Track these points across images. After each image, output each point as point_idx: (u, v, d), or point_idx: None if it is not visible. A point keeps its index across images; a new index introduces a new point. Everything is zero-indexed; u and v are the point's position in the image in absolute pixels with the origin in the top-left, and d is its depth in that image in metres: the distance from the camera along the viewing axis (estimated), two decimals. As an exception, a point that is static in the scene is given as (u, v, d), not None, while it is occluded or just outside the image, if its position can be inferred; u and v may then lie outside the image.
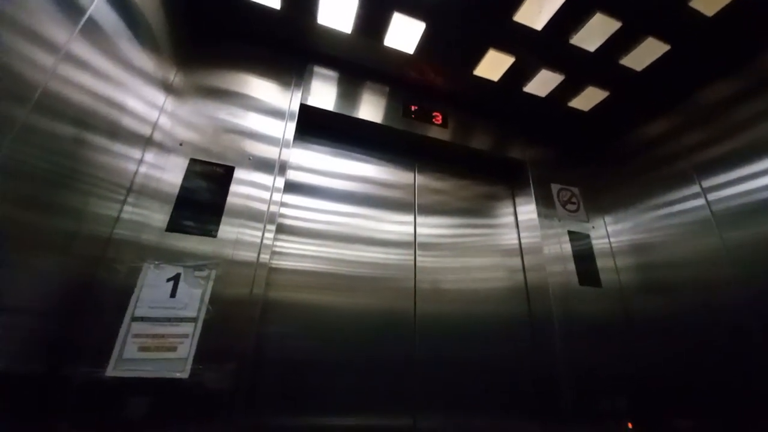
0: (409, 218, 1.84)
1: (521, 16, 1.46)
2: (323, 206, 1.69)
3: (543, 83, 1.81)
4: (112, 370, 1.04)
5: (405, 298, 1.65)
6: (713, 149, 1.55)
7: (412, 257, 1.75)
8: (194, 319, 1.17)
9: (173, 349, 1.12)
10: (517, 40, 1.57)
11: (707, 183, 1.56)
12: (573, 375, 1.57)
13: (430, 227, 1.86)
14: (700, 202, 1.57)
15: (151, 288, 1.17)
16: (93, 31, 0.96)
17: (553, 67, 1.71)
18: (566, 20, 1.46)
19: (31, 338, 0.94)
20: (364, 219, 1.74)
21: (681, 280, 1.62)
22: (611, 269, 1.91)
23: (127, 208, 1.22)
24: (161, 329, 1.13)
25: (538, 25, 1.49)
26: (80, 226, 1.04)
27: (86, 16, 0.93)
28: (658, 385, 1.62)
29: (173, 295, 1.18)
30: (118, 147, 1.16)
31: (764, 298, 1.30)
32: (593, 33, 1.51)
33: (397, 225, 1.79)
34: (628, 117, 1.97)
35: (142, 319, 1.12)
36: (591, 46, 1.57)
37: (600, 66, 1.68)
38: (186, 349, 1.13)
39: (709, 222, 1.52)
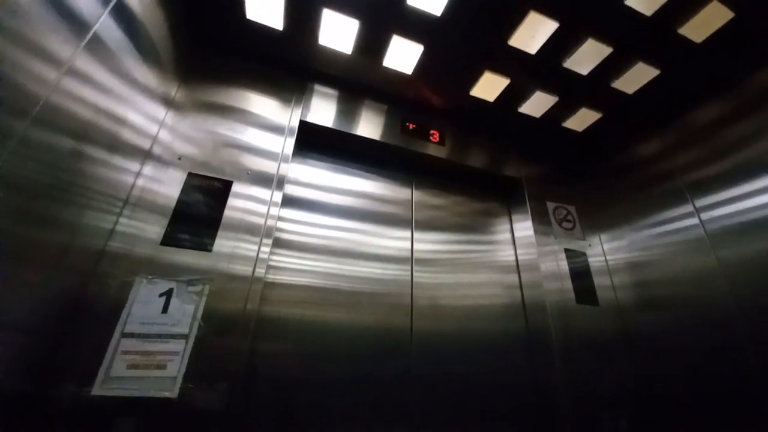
0: (407, 234, 1.84)
1: (516, 41, 1.52)
2: (321, 221, 1.69)
3: (537, 104, 1.86)
4: (98, 389, 1.01)
5: (402, 314, 1.63)
6: (705, 169, 1.58)
7: (409, 273, 1.74)
8: (185, 336, 1.14)
9: (163, 367, 1.09)
10: (511, 63, 1.63)
11: (700, 202, 1.58)
12: (572, 393, 1.54)
13: (427, 243, 1.86)
14: (694, 221, 1.59)
15: (143, 303, 1.14)
16: (97, 47, 0.98)
17: (547, 89, 1.77)
18: (559, 45, 1.52)
19: (18, 355, 0.90)
20: (361, 234, 1.74)
21: (677, 298, 1.62)
22: (608, 287, 1.90)
23: (122, 220, 1.21)
24: (151, 346, 1.10)
25: (533, 49, 1.55)
26: (74, 239, 1.03)
27: (92, 33, 0.95)
28: (657, 404, 1.59)
29: (165, 310, 1.16)
30: (117, 160, 1.17)
31: (759, 316, 1.30)
32: (586, 57, 1.56)
33: (394, 240, 1.79)
34: (621, 137, 2.02)
35: (132, 335, 1.09)
36: (584, 69, 1.62)
37: (593, 89, 1.73)
38: (176, 368, 1.09)
39: (703, 240, 1.54)
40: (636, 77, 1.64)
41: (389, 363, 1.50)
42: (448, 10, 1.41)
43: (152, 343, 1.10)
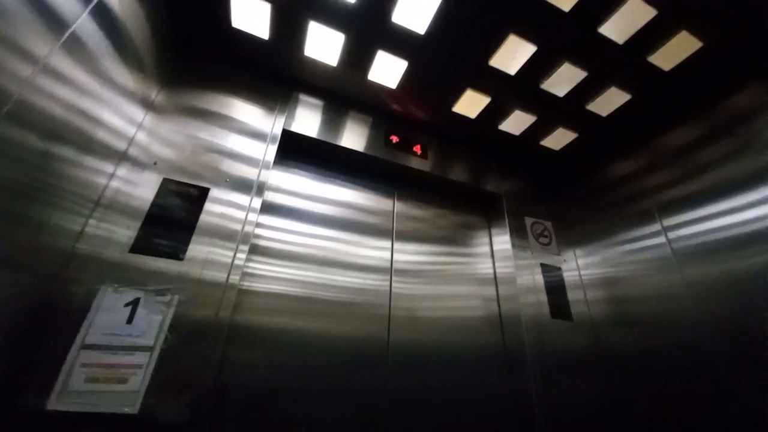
0: (387, 244, 1.84)
1: (496, 61, 1.57)
2: (301, 229, 1.67)
3: (517, 122, 1.92)
4: (54, 403, 0.95)
5: (379, 324, 1.61)
6: (674, 190, 1.65)
7: (388, 283, 1.73)
8: (150, 348, 1.09)
9: (124, 380, 1.04)
10: (492, 82, 1.68)
11: (668, 222, 1.65)
12: (546, 408, 1.55)
13: (408, 254, 1.86)
14: (662, 239, 1.65)
15: (107, 312, 1.09)
16: (75, 46, 0.96)
17: (526, 108, 1.83)
18: (537, 67, 1.58)
19: None
20: (341, 243, 1.73)
21: (646, 314, 1.67)
22: (582, 302, 1.95)
23: (92, 222, 1.16)
24: (113, 359, 1.05)
25: (512, 70, 1.60)
26: (40, 238, 0.98)
27: (70, 31, 0.94)
28: (629, 421, 1.61)
29: (130, 321, 1.11)
30: (90, 160, 1.13)
31: (723, 333, 1.35)
32: (562, 80, 1.63)
33: (374, 250, 1.79)
34: (596, 157, 2.10)
35: (93, 346, 1.04)
36: (560, 91, 1.69)
37: (569, 110, 1.80)
38: (138, 381, 1.05)
39: (670, 259, 1.60)
40: (609, 101, 1.72)
41: (365, 374, 1.47)
42: (432, 29, 1.45)
43: (115, 355, 1.05)
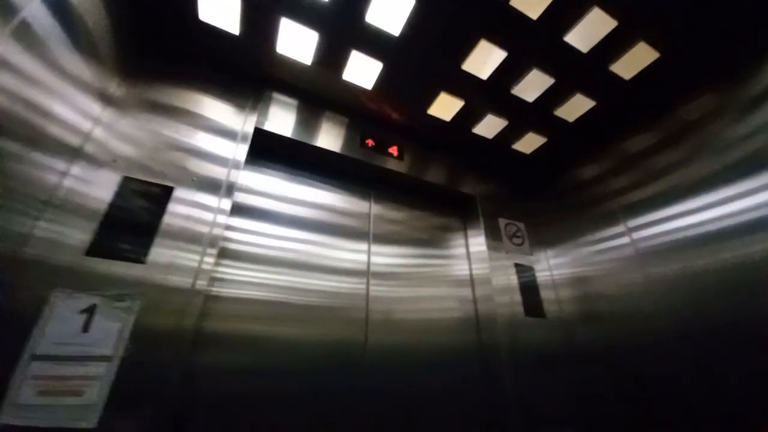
0: (363, 247, 1.83)
1: (469, 65, 1.60)
2: (274, 231, 1.63)
3: (490, 126, 1.97)
4: (2, 417, 0.88)
5: (356, 328, 1.60)
6: (636, 192, 1.73)
7: (365, 286, 1.73)
8: (109, 358, 1.03)
9: (79, 393, 0.97)
10: (465, 86, 1.71)
11: (632, 223, 1.73)
12: (520, 406, 1.59)
13: (385, 256, 1.86)
14: (626, 240, 1.74)
15: (59, 321, 1.02)
16: (24, 33, 0.90)
17: (498, 112, 1.87)
18: (508, 72, 1.63)
19: None
20: (316, 246, 1.70)
21: (612, 311, 1.74)
22: (553, 300, 2.02)
23: (41, 224, 1.08)
24: (67, 370, 0.98)
25: (484, 74, 1.64)
26: None
27: (19, 17, 0.87)
28: (600, 416, 1.68)
29: (86, 329, 1.04)
30: (38, 156, 1.05)
31: (684, 329, 1.42)
32: (531, 86, 1.68)
33: (350, 253, 1.77)
34: (564, 161, 2.19)
35: (45, 357, 0.97)
36: (530, 97, 1.75)
37: (538, 115, 1.87)
38: (95, 394, 0.98)
39: (633, 258, 1.68)
40: (575, 107, 1.79)
41: (342, 378, 1.46)
42: (406, 31, 1.46)
43: (68, 366, 0.99)
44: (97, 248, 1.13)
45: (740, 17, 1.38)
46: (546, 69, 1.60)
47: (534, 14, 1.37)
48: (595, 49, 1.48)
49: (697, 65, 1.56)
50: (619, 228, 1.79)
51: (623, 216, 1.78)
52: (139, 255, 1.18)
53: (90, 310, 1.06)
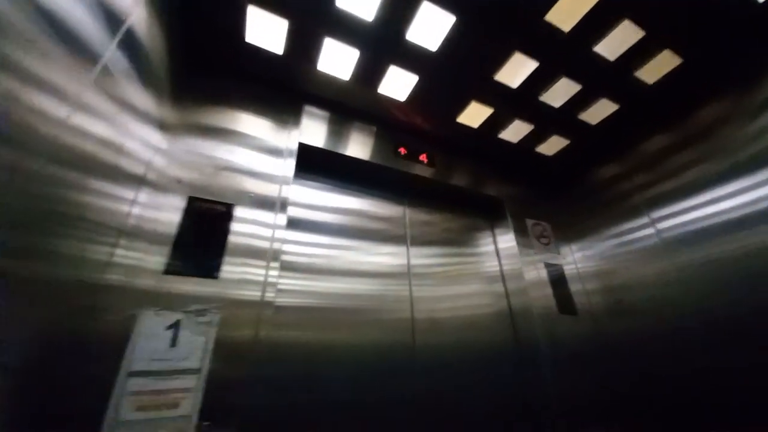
0: (403, 250, 1.90)
1: (501, 76, 1.69)
2: (320, 240, 1.70)
3: (515, 132, 2.06)
4: (104, 436, 0.93)
5: (404, 329, 1.67)
6: (659, 186, 1.83)
7: (408, 288, 1.80)
8: (198, 371, 1.09)
9: (175, 405, 1.03)
10: (496, 95, 1.79)
11: (655, 214, 1.83)
12: (561, 400, 1.66)
13: (422, 258, 1.94)
14: (651, 230, 1.84)
15: (150, 338, 1.08)
16: (105, 79, 0.94)
17: (524, 118, 1.96)
18: (537, 81, 1.71)
19: (9, 404, 0.81)
20: (360, 252, 1.77)
21: (640, 301, 1.84)
22: (581, 294, 2.10)
23: (119, 251, 1.13)
24: (162, 384, 1.04)
25: (515, 84, 1.73)
26: (67, 273, 0.94)
27: (101, 64, 0.91)
28: (637, 407, 1.75)
29: (174, 344, 1.10)
30: (110, 188, 1.10)
31: (713, 315, 1.51)
32: (558, 93, 1.77)
33: (391, 257, 1.84)
34: (586, 161, 2.29)
35: (140, 373, 1.02)
36: (556, 103, 1.84)
37: (563, 119, 1.96)
38: (189, 405, 1.04)
39: (658, 248, 1.78)
40: (599, 111, 1.89)
41: (398, 380, 1.53)
42: (444, 46, 1.54)
43: (163, 380, 1.04)
44: (173, 267, 1.19)
45: (755, 26, 1.48)
46: (574, 77, 1.69)
47: (566, 27, 1.46)
48: (621, 57, 1.58)
49: (716, 70, 1.66)
50: (644, 219, 1.88)
51: (647, 208, 1.88)
52: (212, 271, 1.24)
53: (175, 326, 1.12)
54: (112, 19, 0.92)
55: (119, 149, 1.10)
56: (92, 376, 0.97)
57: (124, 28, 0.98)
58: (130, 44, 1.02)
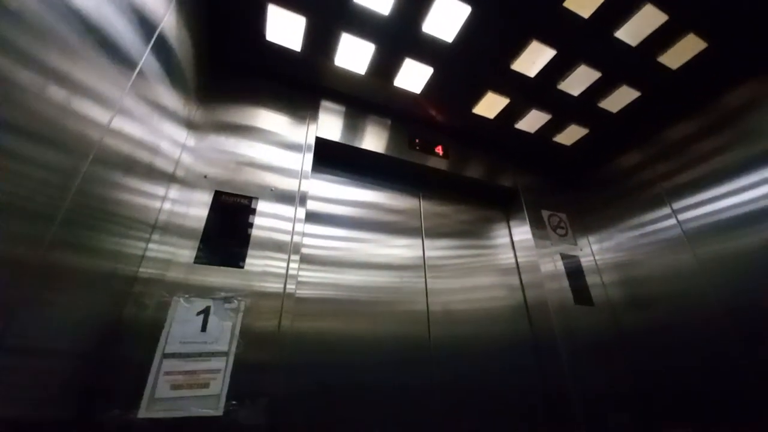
0: (418, 242, 1.93)
1: (518, 65, 1.67)
2: (337, 233, 1.74)
3: (532, 121, 2.03)
4: (144, 412, 1.01)
5: (419, 321, 1.71)
6: (682, 176, 1.78)
7: (423, 280, 1.83)
8: (226, 353, 1.16)
9: (206, 385, 1.10)
10: (512, 85, 1.77)
11: (677, 205, 1.78)
12: (580, 391, 1.66)
13: (437, 250, 1.96)
14: (672, 221, 1.79)
15: (182, 323, 1.15)
16: (141, 82, 0.99)
17: (542, 108, 1.93)
18: (555, 69, 1.68)
19: (61, 382, 0.90)
20: (376, 245, 1.81)
21: (661, 292, 1.80)
22: (599, 286, 2.08)
23: (152, 245, 1.21)
24: (193, 365, 1.11)
25: (532, 72, 1.70)
26: (106, 265, 1.01)
27: (137, 70, 0.97)
28: (656, 398, 1.74)
29: (204, 329, 1.17)
30: (145, 186, 1.17)
31: (736, 306, 1.48)
32: (577, 80, 1.74)
33: (407, 249, 1.88)
34: (605, 150, 2.23)
35: (174, 355, 1.10)
36: (575, 91, 1.80)
37: (582, 108, 1.92)
38: (218, 385, 1.11)
39: (680, 239, 1.73)
40: (620, 98, 1.84)
41: (413, 370, 1.57)
42: (460, 36, 1.53)
43: (194, 362, 1.12)
44: (202, 257, 1.26)
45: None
46: (593, 64, 1.65)
47: (586, 13, 1.43)
48: (644, 43, 1.53)
49: (742, 53, 1.59)
50: (665, 210, 1.83)
51: (669, 198, 1.82)
52: (238, 261, 1.31)
53: (205, 312, 1.19)
54: (146, 26, 0.97)
55: (154, 149, 1.17)
56: (131, 358, 1.06)
57: (156, 34, 1.03)
58: (161, 49, 1.08)
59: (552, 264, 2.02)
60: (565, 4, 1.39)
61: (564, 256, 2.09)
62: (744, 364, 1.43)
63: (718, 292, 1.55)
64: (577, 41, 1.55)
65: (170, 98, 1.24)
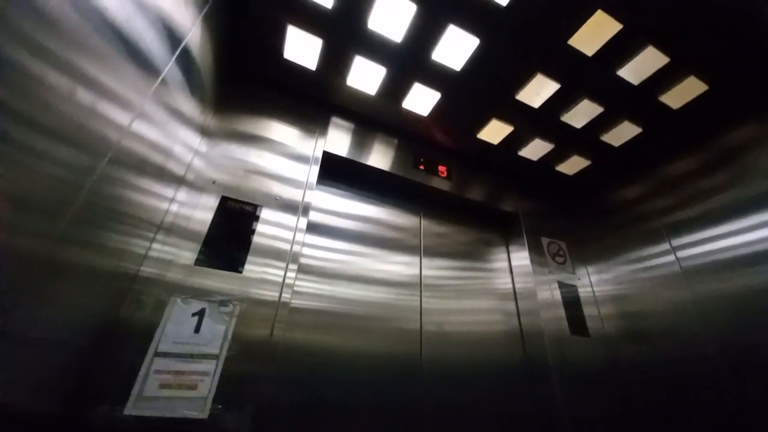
0: (416, 260, 1.94)
1: (522, 96, 1.73)
2: (337, 246, 1.77)
3: (535, 150, 2.08)
4: (131, 409, 1.02)
5: (412, 341, 1.70)
6: (682, 212, 1.79)
7: (418, 298, 1.83)
8: (216, 357, 1.17)
9: (194, 387, 1.11)
10: (517, 113, 1.83)
11: (676, 242, 1.78)
12: (570, 418, 1.63)
13: (434, 269, 1.97)
14: (671, 258, 1.79)
15: (177, 323, 1.17)
16: (162, 90, 1.05)
17: (545, 137, 1.98)
18: (559, 102, 1.74)
19: (54, 373, 0.92)
20: (374, 260, 1.83)
21: (657, 328, 1.78)
22: (596, 317, 2.06)
23: (155, 245, 1.25)
24: (183, 366, 1.13)
25: (536, 103, 1.76)
26: (109, 262, 1.05)
27: (161, 78, 1.03)
28: (645, 427, 1.70)
29: (197, 330, 1.19)
30: (155, 187, 1.21)
31: (729, 348, 1.47)
32: (580, 114, 1.79)
33: (404, 266, 1.89)
34: (607, 182, 2.26)
35: (165, 354, 1.12)
36: (578, 123, 1.85)
37: (584, 140, 1.96)
38: (206, 388, 1.12)
39: (678, 276, 1.73)
40: (622, 133, 1.88)
41: (403, 388, 1.56)
42: (468, 66, 1.60)
43: (185, 362, 1.13)
44: (203, 260, 1.30)
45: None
46: (596, 99, 1.71)
47: (590, 51, 1.49)
48: (646, 82, 1.59)
49: (743, 95, 1.63)
50: (664, 246, 1.83)
51: (668, 235, 1.83)
52: (237, 265, 1.34)
53: (200, 314, 1.22)
54: (173, 39, 1.05)
55: (167, 152, 1.23)
56: (125, 354, 1.07)
57: (181, 47, 1.11)
58: (184, 60, 1.15)
59: (549, 292, 2.02)
60: (570, 42, 1.46)
61: (562, 285, 2.08)
62: (732, 401, 1.40)
63: (713, 331, 1.53)
64: (581, 77, 1.61)
65: (188, 105, 1.31)
